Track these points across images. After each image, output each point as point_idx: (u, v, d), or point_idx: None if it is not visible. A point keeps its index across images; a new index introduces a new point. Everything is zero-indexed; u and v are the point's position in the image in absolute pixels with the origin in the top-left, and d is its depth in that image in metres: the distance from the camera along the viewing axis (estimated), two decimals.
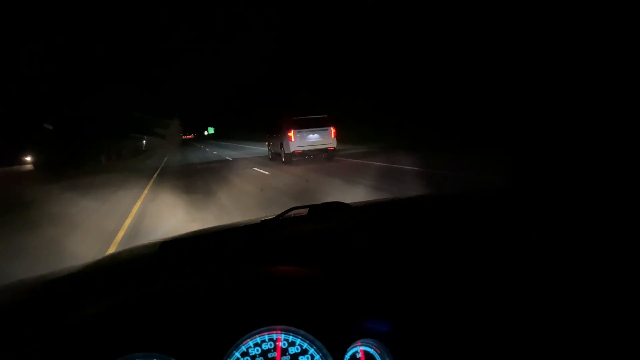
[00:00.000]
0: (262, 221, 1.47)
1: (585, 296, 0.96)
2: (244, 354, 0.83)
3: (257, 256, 1.20)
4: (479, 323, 0.91)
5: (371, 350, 0.87)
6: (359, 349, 0.86)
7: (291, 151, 14.68)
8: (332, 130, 14.96)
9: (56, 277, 1.26)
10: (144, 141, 39.32)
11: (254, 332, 0.84)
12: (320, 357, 0.84)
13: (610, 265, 1.02)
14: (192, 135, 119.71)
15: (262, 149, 26.55)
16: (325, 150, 14.86)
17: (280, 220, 1.46)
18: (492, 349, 0.88)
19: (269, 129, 17.68)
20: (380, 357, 0.86)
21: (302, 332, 0.85)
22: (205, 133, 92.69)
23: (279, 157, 16.00)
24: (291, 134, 14.67)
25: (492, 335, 0.89)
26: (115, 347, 0.79)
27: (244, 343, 0.84)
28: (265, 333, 0.85)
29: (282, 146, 15.35)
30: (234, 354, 0.82)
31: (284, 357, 0.85)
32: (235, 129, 54.26)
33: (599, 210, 1.29)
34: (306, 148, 14.72)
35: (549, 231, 1.21)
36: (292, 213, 1.51)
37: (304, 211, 1.53)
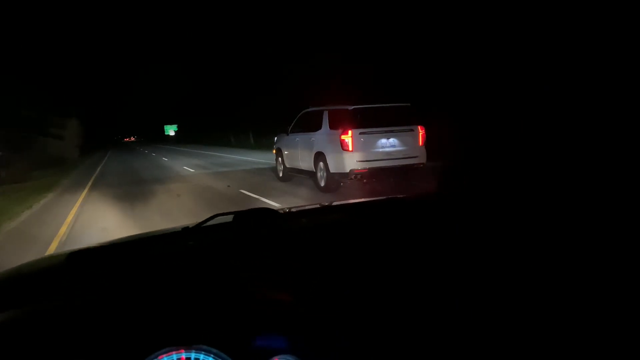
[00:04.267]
0: (183, 229, 1.39)
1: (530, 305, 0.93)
2: None
3: (171, 267, 1.12)
4: (400, 339, 0.89)
5: None
6: None
7: (346, 170, 7.61)
8: (420, 131, 8.07)
9: None
10: None
11: (161, 351, 0.81)
12: None
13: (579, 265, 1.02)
14: (133, 138, 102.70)
15: (240, 158, 19.38)
16: (411, 168, 7.94)
17: (202, 228, 1.38)
18: None
19: (295, 125, 9.69)
20: None
21: (214, 350, 0.82)
22: (172, 133, 78.98)
23: (311, 178, 8.82)
24: (348, 136, 7.62)
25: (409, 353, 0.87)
26: None
27: None
28: (174, 352, 0.82)
29: (321, 159, 8.21)
30: None
31: None
32: (216, 132, 44.61)
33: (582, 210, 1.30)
34: (376, 164, 7.72)
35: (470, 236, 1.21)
36: (215, 220, 1.43)
37: (229, 218, 1.42)
